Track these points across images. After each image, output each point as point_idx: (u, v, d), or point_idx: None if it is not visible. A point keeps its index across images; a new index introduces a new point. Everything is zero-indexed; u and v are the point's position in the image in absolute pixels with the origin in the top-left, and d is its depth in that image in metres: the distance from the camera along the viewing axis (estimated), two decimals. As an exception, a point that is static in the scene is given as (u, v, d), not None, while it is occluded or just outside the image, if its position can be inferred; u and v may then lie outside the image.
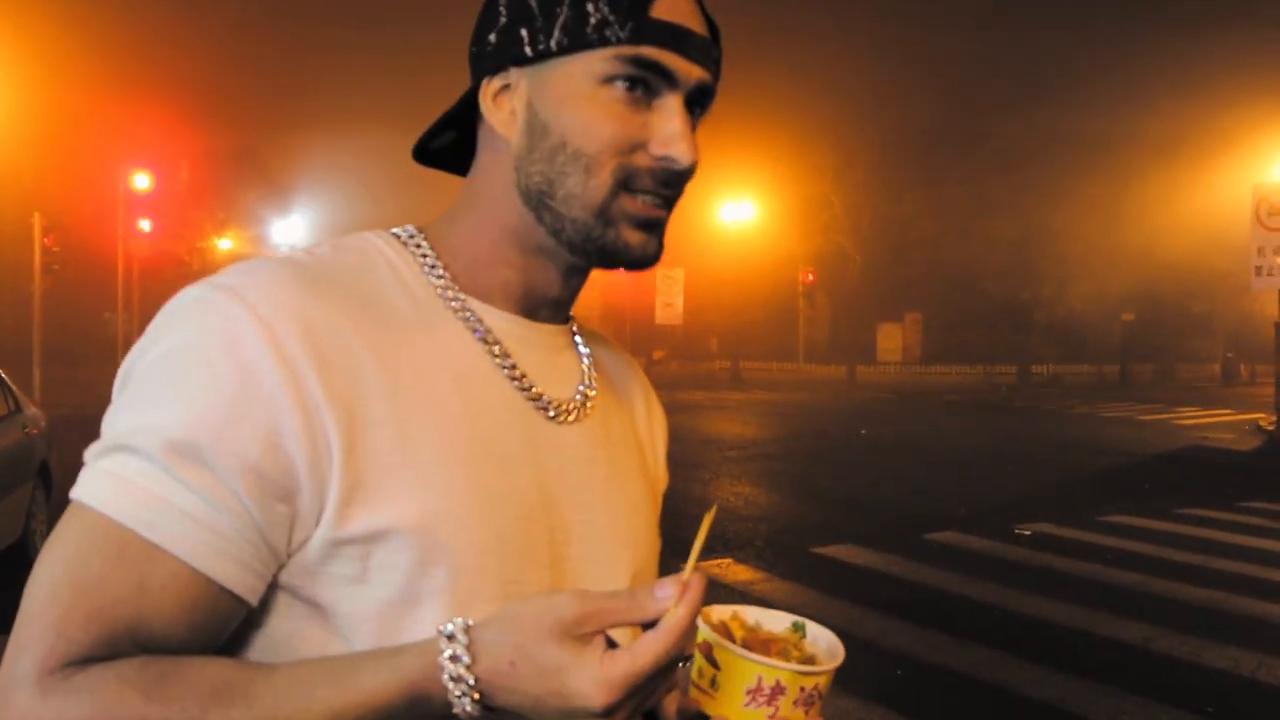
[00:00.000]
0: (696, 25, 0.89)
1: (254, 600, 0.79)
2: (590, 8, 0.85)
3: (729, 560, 7.94)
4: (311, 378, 0.79)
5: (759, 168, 39.81)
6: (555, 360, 0.98)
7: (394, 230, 0.97)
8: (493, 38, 0.91)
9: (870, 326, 46.80)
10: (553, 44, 0.87)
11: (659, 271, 38.41)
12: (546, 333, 0.98)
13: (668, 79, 0.88)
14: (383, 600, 0.81)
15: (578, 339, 1.04)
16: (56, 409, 11.05)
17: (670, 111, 0.88)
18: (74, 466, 0.85)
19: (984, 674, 5.31)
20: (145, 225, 35.07)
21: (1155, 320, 45.14)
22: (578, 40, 0.86)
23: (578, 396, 0.98)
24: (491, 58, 0.91)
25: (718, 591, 6.96)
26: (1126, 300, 43.95)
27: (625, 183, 0.88)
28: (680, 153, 0.88)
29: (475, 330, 0.91)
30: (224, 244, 50.00)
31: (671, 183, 0.90)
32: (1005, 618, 6.41)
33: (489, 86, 0.91)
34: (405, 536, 0.81)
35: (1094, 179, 43.47)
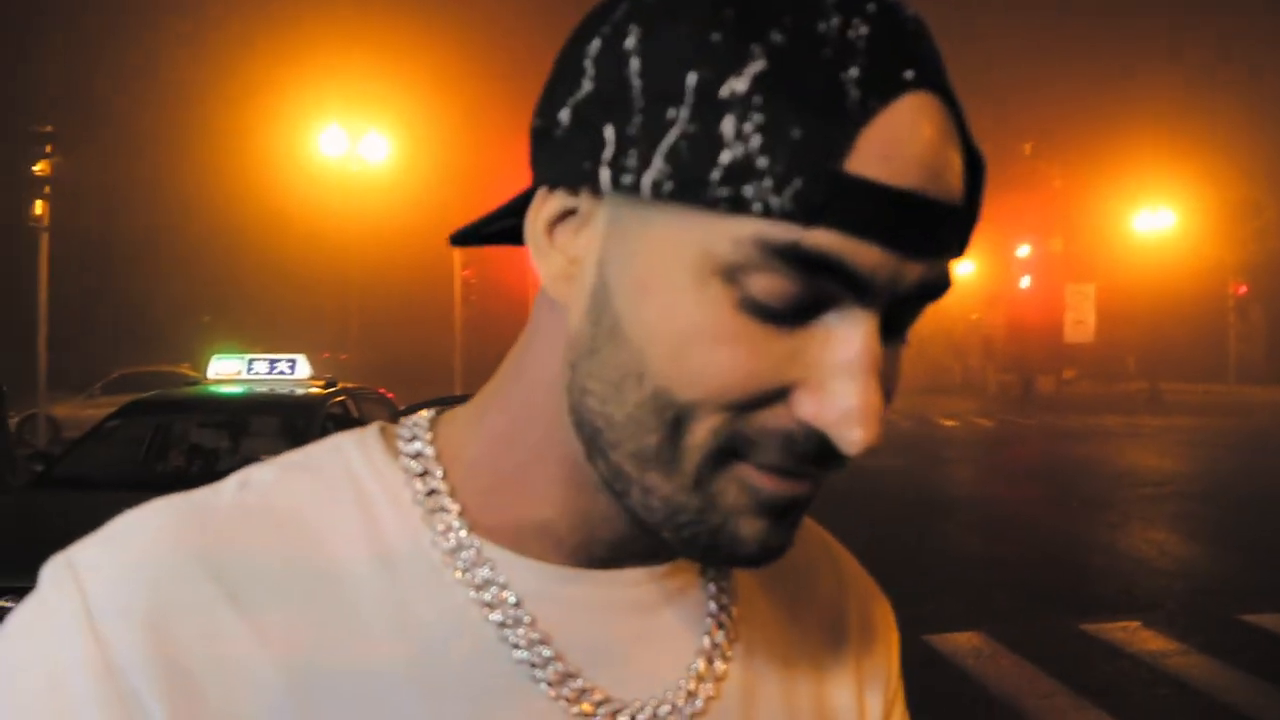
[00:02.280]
0: (939, 178, 0.48)
1: None
2: (730, 128, 0.46)
3: (1136, 624, 6.99)
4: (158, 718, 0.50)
5: (1177, 172, 36.37)
6: (648, 626, 0.61)
7: (401, 426, 0.63)
8: (565, 117, 0.52)
9: (1318, 342, 41.35)
10: (648, 180, 0.48)
11: (1069, 287, 36.17)
12: (624, 585, 0.61)
13: (856, 288, 0.48)
14: None
15: (714, 569, 0.66)
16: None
17: (847, 344, 0.49)
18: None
19: None
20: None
21: None
22: (692, 189, 0.47)
23: (681, 693, 0.61)
24: (555, 156, 0.54)
25: (1123, 663, 6.17)
26: None
27: (735, 451, 0.51)
28: (848, 431, 0.49)
29: (484, 600, 0.57)
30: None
31: (824, 461, 0.51)
32: None
33: (545, 203, 0.55)
34: None
35: None
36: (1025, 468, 16.93)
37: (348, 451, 0.61)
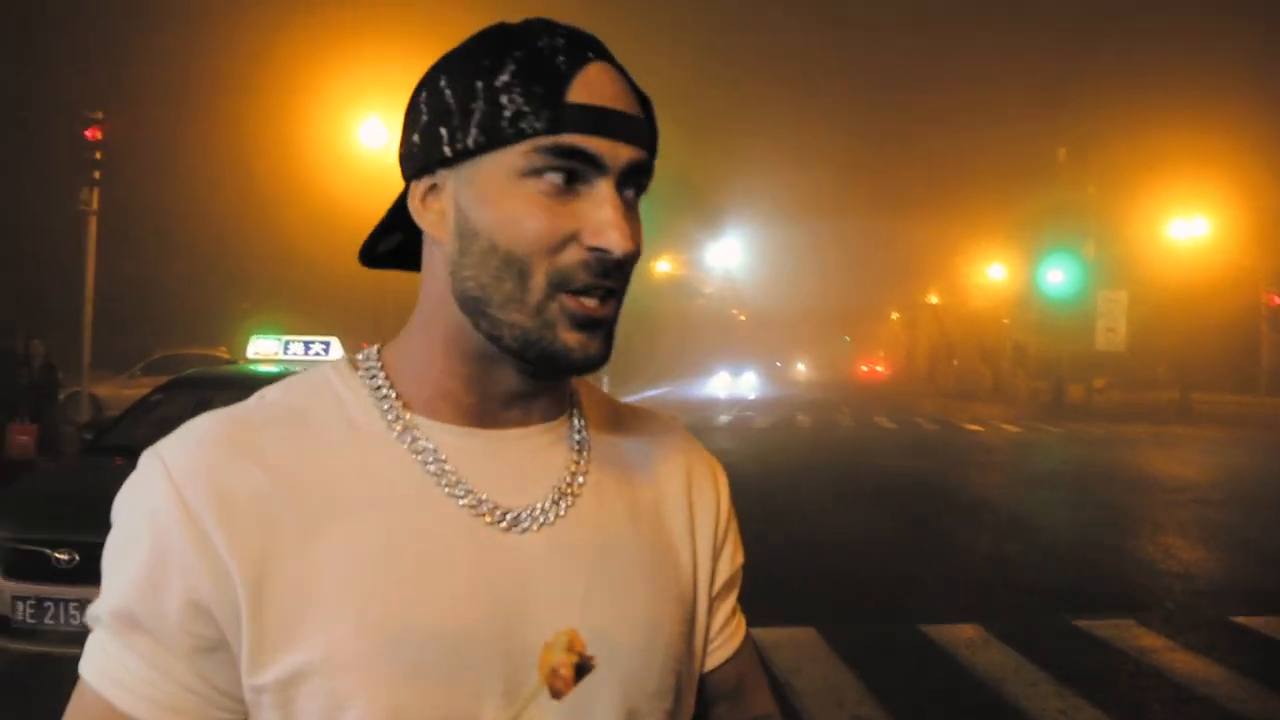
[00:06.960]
0: (621, 103, 0.87)
1: None
2: (505, 100, 0.84)
3: (1130, 621, 7.23)
4: (217, 535, 0.83)
5: (1212, 179, 36.00)
6: (526, 465, 0.94)
7: (358, 355, 0.99)
8: (416, 138, 0.90)
9: (1354, 355, 40.82)
10: (470, 142, 0.85)
11: (1101, 294, 35.70)
12: (511, 439, 0.94)
13: (594, 164, 0.85)
14: None
15: (577, 433, 0.99)
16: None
17: (600, 198, 0.86)
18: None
19: None
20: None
21: None
22: (495, 137, 0.85)
23: (548, 500, 0.93)
24: (416, 159, 0.90)
25: (1109, 655, 6.41)
26: None
27: (560, 283, 0.86)
28: (613, 241, 0.85)
29: (414, 450, 0.90)
30: (662, 266, 52.94)
31: (609, 272, 0.87)
32: None
33: (416, 189, 0.91)
34: (313, 680, 0.83)
35: None
36: (1046, 473, 17.05)
37: (327, 371, 0.97)
